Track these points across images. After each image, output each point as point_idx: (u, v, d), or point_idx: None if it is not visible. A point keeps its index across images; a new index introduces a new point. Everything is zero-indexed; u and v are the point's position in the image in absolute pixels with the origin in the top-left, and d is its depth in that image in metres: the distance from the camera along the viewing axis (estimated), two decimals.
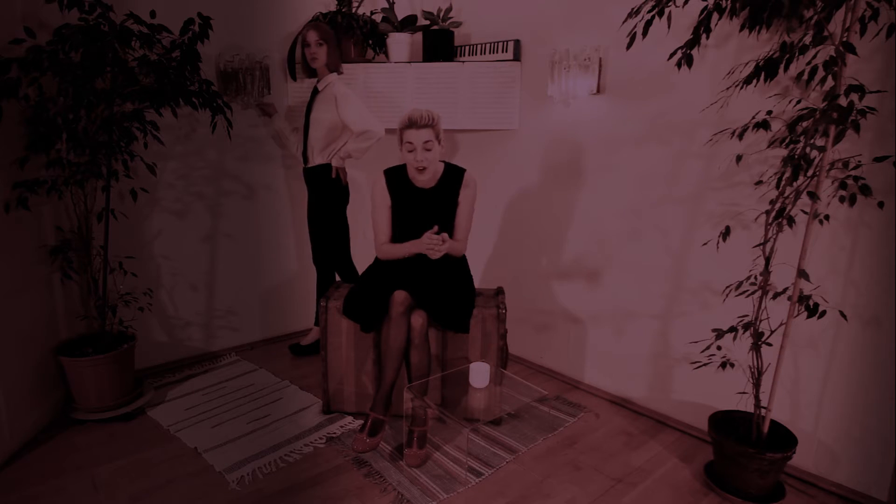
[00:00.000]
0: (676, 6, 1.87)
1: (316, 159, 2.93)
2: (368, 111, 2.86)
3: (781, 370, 1.98)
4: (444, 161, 2.44)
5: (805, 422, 2.13)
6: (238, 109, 3.03)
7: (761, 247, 1.95)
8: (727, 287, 2.05)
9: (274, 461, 2.21)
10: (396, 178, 2.41)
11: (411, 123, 2.21)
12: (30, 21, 2.19)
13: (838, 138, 1.74)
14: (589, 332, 2.86)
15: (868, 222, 1.91)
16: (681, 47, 1.92)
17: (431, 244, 2.27)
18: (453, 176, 2.40)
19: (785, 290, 1.94)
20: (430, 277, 2.31)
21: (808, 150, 1.79)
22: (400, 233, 2.43)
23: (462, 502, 2.01)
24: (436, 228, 2.29)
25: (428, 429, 2.31)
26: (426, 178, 2.35)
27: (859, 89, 1.69)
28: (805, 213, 1.88)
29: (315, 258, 3.12)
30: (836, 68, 1.70)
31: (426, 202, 2.39)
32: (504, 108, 3.02)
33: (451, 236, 2.42)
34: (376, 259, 2.50)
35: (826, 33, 1.70)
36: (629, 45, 1.95)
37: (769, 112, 1.96)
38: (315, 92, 2.90)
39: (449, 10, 3.03)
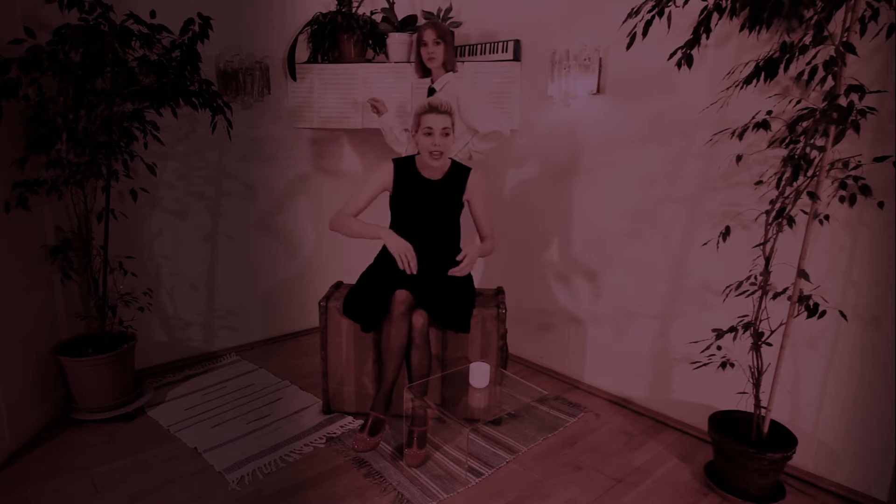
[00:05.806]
0: (676, 6, 1.87)
1: None
2: (494, 110, 2.71)
3: (781, 370, 1.98)
4: (450, 157, 2.46)
5: (805, 422, 2.13)
6: (238, 109, 3.03)
7: (761, 247, 1.95)
8: (727, 287, 2.05)
9: (274, 461, 2.21)
10: (404, 167, 2.41)
11: (431, 108, 2.26)
12: (30, 21, 2.18)
13: (838, 138, 1.74)
14: (589, 332, 2.86)
15: (868, 222, 1.91)
16: (681, 47, 1.92)
17: (406, 261, 2.25)
18: (459, 172, 2.42)
19: (785, 290, 1.94)
20: (431, 277, 2.31)
21: (808, 150, 1.79)
22: (401, 222, 2.43)
23: (462, 502, 2.01)
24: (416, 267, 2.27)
25: (428, 429, 2.31)
26: (437, 167, 2.35)
27: (859, 89, 1.69)
28: (805, 213, 1.88)
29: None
30: (836, 68, 1.70)
31: (431, 194, 2.39)
32: (504, 108, 3.01)
33: (452, 234, 2.44)
34: (376, 259, 2.50)
35: (826, 33, 1.70)
36: (629, 45, 1.95)
37: (769, 112, 1.96)
38: (431, 92, 2.74)
39: (449, 10, 3.03)
